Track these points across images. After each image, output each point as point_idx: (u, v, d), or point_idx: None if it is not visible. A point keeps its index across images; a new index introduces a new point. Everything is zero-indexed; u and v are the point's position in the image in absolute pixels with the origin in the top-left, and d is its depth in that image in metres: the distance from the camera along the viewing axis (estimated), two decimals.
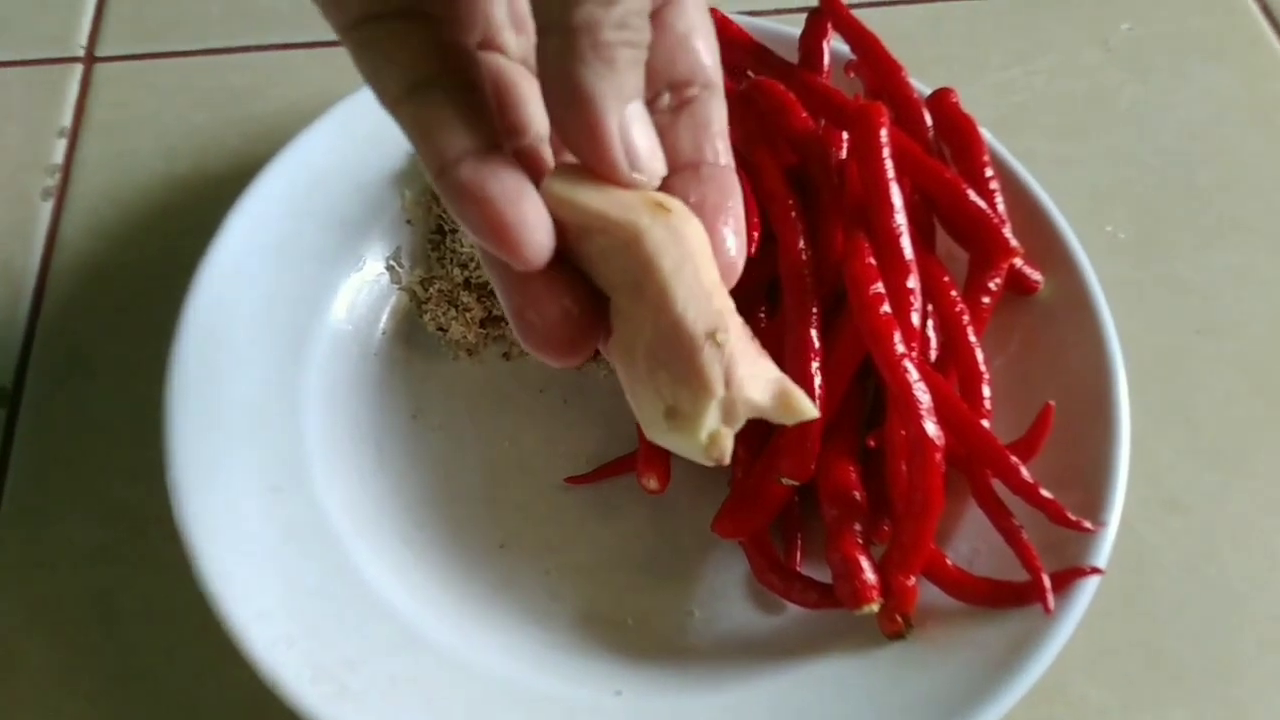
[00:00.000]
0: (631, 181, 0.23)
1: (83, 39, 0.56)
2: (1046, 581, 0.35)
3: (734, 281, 0.25)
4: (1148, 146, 0.53)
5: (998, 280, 0.41)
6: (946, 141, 0.44)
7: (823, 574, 0.38)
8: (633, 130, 0.23)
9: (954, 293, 0.41)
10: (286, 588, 0.36)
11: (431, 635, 0.37)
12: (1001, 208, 0.43)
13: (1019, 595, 0.36)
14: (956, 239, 0.43)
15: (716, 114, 0.26)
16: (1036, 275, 0.43)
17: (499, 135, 0.24)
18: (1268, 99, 0.54)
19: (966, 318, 0.40)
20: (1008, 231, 0.41)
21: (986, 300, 0.41)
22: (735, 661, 0.37)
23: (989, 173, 0.43)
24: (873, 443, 0.39)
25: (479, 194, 0.23)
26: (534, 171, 0.25)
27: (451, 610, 0.38)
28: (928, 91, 0.45)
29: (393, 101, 0.24)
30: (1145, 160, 0.52)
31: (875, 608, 0.36)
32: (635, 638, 0.38)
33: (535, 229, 0.23)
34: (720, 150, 0.26)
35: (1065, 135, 0.53)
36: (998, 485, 0.38)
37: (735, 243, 0.25)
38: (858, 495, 0.38)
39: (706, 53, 0.26)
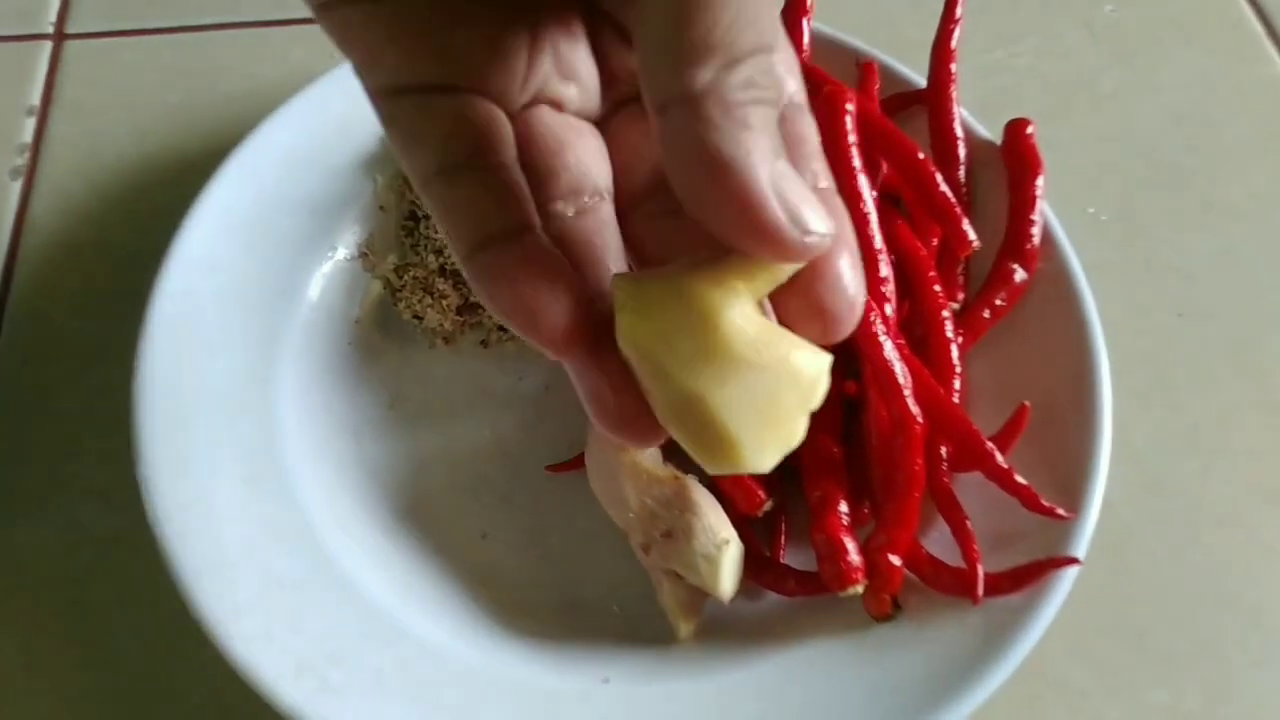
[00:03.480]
0: (804, 247, 0.20)
1: (52, 15, 0.55)
2: (980, 574, 0.35)
3: (854, 324, 0.22)
4: (1130, 129, 0.53)
5: (1003, 297, 0.41)
6: (1009, 166, 0.44)
7: (806, 558, 0.38)
8: (787, 190, 0.20)
9: (937, 288, 0.41)
10: (264, 582, 0.36)
11: (415, 628, 0.36)
12: (1036, 241, 0.42)
13: (992, 585, 0.36)
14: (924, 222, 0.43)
15: (808, 133, 0.24)
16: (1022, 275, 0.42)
17: (530, 216, 0.23)
18: (1250, 82, 0.54)
19: (946, 312, 0.40)
20: (967, 225, 0.41)
21: (1000, 301, 0.41)
22: (723, 647, 0.37)
23: (1035, 214, 0.42)
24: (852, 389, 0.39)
25: (502, 279, 0.22)
26: (592, 238, 0.23)
27: (434, 602, 0.38)
28: (919, 79, 0.46)
29: (421, 182, 0.23)
30: (1128, 142, 0.52)
31: (860, 589, 0.36)
32: (622, 625, 0.38)
33: (560, 315, 0.21)
34: (819, 172, 0.23)
35: (1048, 117, 0.52)
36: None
37: (853, 277, 0.22)
38: (842, 475, 0.38)
39: (788, 71, 0.23)
